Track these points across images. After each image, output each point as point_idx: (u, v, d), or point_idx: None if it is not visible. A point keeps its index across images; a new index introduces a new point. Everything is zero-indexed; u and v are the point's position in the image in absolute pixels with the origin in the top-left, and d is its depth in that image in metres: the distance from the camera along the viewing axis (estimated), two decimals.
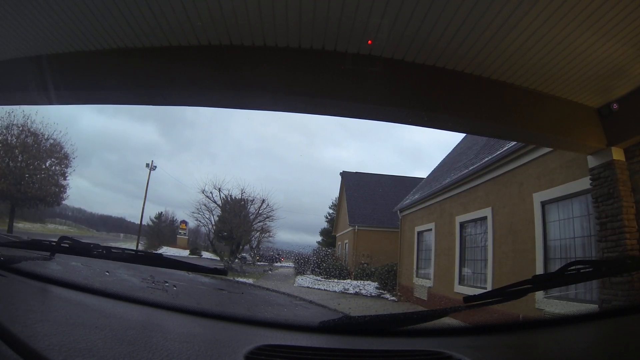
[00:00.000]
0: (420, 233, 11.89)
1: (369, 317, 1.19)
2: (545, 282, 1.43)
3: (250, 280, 14.66)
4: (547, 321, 1.34)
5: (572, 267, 1.31)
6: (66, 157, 22.24)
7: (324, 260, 18.98)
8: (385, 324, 1.20)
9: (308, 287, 14.11)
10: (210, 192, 20.19)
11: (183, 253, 27.21)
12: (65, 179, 22.52)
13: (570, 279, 1.37)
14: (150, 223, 32.96)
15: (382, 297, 12.60)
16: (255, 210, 20.97)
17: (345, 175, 24.90)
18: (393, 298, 12.44)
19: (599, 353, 1.06)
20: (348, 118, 4.83)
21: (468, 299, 1.27)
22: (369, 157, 70.97)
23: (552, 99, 4.24)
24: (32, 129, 20.59)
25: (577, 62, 3.61)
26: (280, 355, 0.89)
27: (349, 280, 16.22)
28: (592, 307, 4.59)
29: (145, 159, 48.77)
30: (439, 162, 14.34)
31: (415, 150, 67.61)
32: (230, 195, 20.66)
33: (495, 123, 4.20)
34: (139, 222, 27.94)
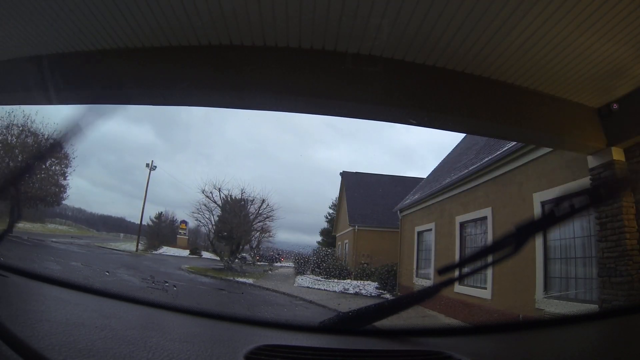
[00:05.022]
0: (420, 233, 11.89)
1: (355, 310, 1.17)
2: (531, 227, 1.29)
3: (250, 280, 14.65)
4: (547, 321, 1.34)
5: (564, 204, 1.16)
6: (66, 157, 22.24)
7: (324, 260, 18.96)
8: (373, 314, 1.17)
9: (308, 287, 14.11)
10: (210, 192, 20.20)
11: (183, 253, 27.20)
12: (65, 179, 22.55)
13: (560, 219, 1.23)
14: (150, 223, 32.95)
15: (382, 297, 12.61)
16: (255, 210, 20.98)
17: (345, 175, 24.89)
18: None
19: (599, 353, 1.06)
20: (341, 118, 4.84)
21: (442, 270, 1.17)
22: (360, 157, 70.91)
23: (552, 99, 4.24)
24: (32, 129, 20.62)
25: (577, 62, 3.61)
26: (280, 355, 0.89)
27: (349, 280, 16.21)
28: (592, 307, 4.59)
29: (143, 159, 48.84)
30: (431, 163, 14.42)
31: (406, 151, 67.70)
32: (230, 195, 20.66)
33: (495, 123, 4.20)
34: (139, 222, 27.97)
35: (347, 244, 21.27)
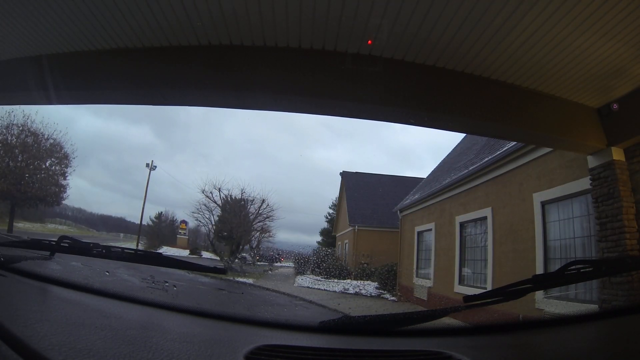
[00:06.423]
0: (420, 233, 11.89)
1: (369, 317, 1.19)
2: (546, 281, 1.43)
3: (250, 280, 14.65)
4: (547, 321, 1.34)
5: (572, 267, 1.31)
6: (66, 157, 22.29)
7: (324, 260, 18.96)
8: (385, 324, 1.20)
9: (308, 287, 14.11)
10: (210, 192, 20.20)
11: (183, 253, 27.19)
12: (65, 179, 22.58)
13: (570, 279, 1.37)
14: (150, 223, 32.95)
15: (382, 297, 12.61)
16: (255, 210, 20.98)
17: (345, 175, 24.88)
18: (393, 298, 12.44)
19: (599, 353, 1.06)
20: (339, 118, 4.84)
21: (468, 298, 1.27)
22: (358, 158, 71.44)
23: (552, 99, 4.24)
24: (32, 129, 20.65)
25: (577, 62, 3.61)
26: (280, 355, 0.89)
27: (349, 280, 16.22)
28: (592, 307, 4.59)
29: (142, 159, 49.07)
30: (428, 163, 14.45)
31: (403, 151, 68.12)
32: (230, 195, 20.66)
33: (495, 123, 4.20)
34: (139, 222, 27.98)
35: (347, 244, 21.26)
